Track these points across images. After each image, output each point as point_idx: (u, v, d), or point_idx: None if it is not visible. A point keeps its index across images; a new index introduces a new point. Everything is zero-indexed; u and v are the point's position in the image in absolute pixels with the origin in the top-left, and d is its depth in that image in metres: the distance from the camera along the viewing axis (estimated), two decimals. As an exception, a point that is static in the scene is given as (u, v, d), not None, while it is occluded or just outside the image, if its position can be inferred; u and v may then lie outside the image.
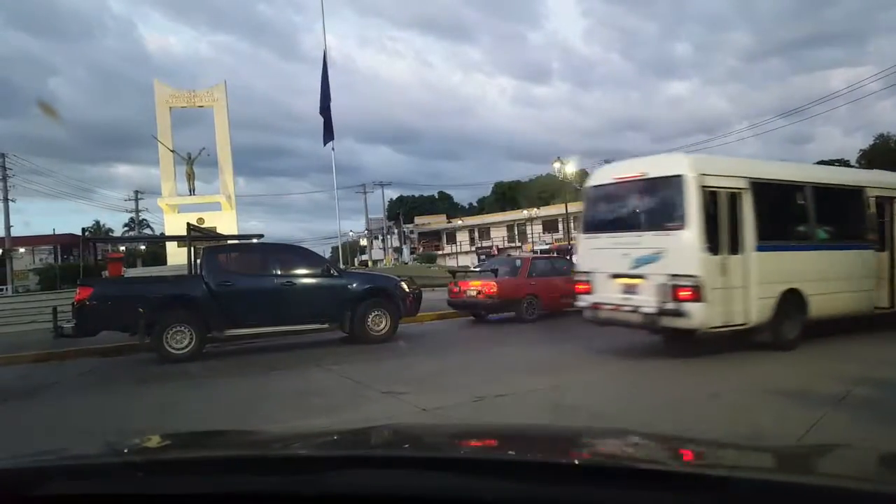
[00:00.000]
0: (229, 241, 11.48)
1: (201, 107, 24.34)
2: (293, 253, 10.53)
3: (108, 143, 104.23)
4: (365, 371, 7.88)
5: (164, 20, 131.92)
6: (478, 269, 17.62)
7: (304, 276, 10.05)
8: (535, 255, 19.22)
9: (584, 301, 8.67)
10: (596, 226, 8.78)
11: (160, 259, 24.93)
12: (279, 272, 9.95)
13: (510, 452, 1.39)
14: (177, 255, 21.88)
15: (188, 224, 10.73)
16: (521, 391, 6.23)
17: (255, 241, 11.04)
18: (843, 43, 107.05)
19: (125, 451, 1.59)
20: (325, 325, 10.17)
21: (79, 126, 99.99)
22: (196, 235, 11.01)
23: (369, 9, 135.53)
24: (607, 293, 8.22)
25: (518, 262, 14.24)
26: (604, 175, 9.02)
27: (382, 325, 10.29)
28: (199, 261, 10.11)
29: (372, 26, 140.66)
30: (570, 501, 0.93)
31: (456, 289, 13.71)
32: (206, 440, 1.85)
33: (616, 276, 8.10)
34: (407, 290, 10.71)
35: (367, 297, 10.30)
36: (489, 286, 12.81)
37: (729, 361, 7.62)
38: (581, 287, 8.78)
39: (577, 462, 1.21)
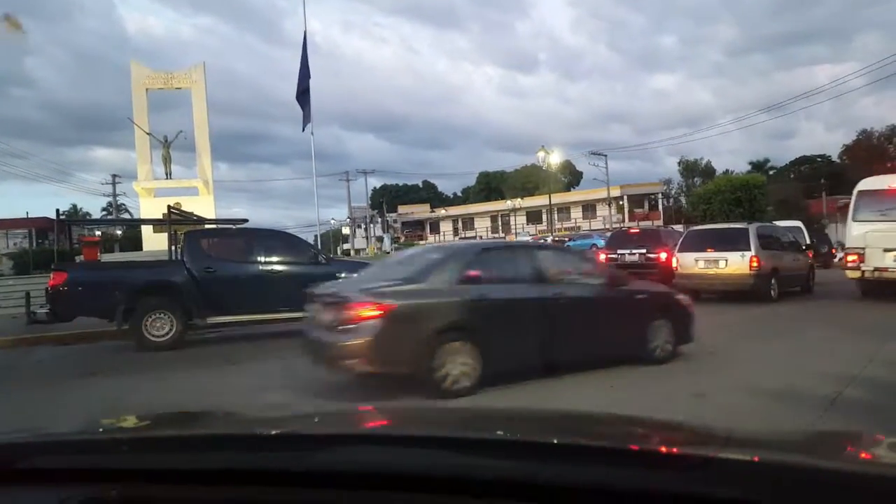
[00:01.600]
0: (212, 226, 11.01)
1: (179, 88, 23.71)
2: (279, 239, 10.12)
3: (86, 126, 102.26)
4: None
5: (145, 1, 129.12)
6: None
7: (290, 262, 9.65)
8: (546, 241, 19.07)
9: (857, 267, 12.00)
10: (868, 215, 12.11)
11: (138, 244, 24.26)
12: (264, 258, 9.56)
13: (500, 433, 1.38)
14: (152, 241, 21.29)
15: (169, 207, 10.30)
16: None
17: (239, 226, 10.58)
18: (827, 39, 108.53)
19: (106, 429, 1.58)
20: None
21: (56, 108, 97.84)
22: (177, 219, 10.55)
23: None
24: (879, 262, 11.72)
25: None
26: (878, 182, 12.70)
27: (373, 314, 9.97)
28: (180, 246, 9.69)
29: (357, 11, 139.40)
30: (560, 480, 0.91)
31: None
32: (190, 420, 1.84)
33: (887, 249, 11.63)
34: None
35: None
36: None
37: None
38: (852, 259, 12.18)
39: (567, 442, 1.18)
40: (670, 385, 5.89)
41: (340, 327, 5.36)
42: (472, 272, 5.96)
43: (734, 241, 13.01)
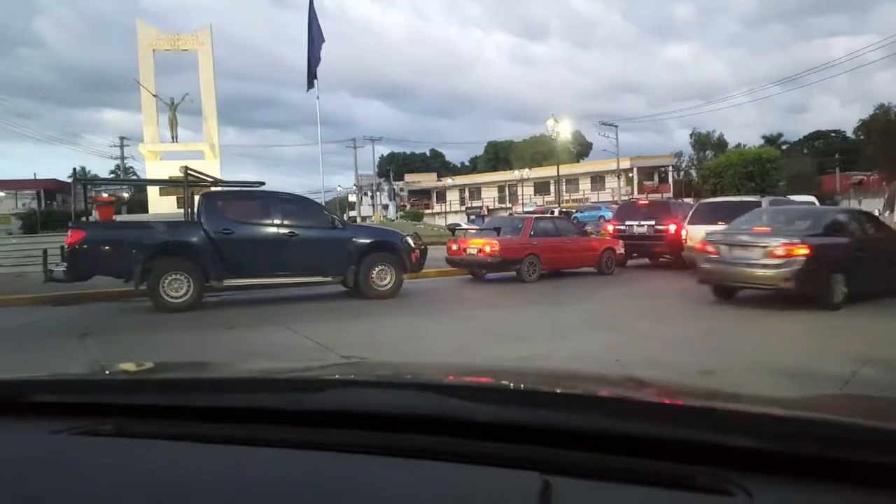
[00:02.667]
0: (229, 188, 11.02)
1: (186, 50, 23.45)
2: (296, 203, 10.11)
3: (95, 87, 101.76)
4: (336, 330, 7.44)
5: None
6: (465, 227, 17.42)
7: (307, 226, 9.67)
8: (541, 214, 19.02)
9: None
10: None
11: (144, 207, 24.31)
12: (281, 222, 9.57)
13: (503, 382, 1.37)
14: (158, 203, 21.35)
15: (186, 168, 10.27)
16: (497, 362, 5.67)
17: (256, 188, 10.58)
18: (847, 10, 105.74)
19: (105, 370, 1.59)
20: (328, 278, 9.93)
21: (64, 68, 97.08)
22: (193, 181, 10.55)
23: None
24: None
25: (520, 222, 14.02)
26: None
27: (387, 281, 10.03)
28: (196, 207, 9.71)
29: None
30: (562, 425, 0.90)
31: (455, 246, 13.52)
32: (188, 366, 1.84)
33: None
34: (412, 245, 10.44)
35: (371, 250, 10.01)
36: (491, 244, 12.59)
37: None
38: None
39: (575, 392, 1.18)
40: (676, 363, 5.87)
41: (772, 260, 8.34)
42: (838, 227, 9.14)
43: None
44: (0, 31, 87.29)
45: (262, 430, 1.01)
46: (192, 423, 1.06)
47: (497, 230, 13.41)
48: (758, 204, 13.03)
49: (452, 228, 19.50)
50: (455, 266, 13.57)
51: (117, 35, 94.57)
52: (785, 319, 8.17)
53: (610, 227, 16.56)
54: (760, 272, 8.51)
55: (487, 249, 12.55)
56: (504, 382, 1.36)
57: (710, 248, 9.37)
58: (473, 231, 16.98)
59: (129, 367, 1.72)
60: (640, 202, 19.13)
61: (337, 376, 1.39)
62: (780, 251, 8.32)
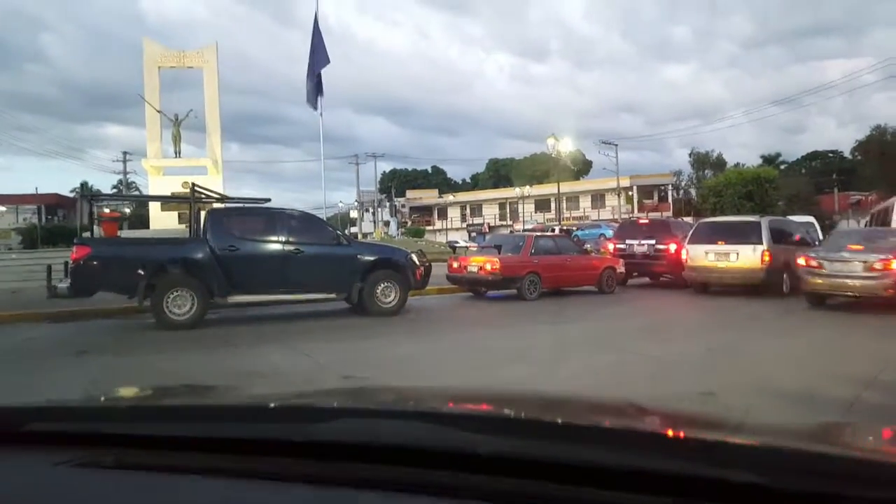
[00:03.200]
0: (235, 205, 11.10)
1: (191, 68, 23.64)
2: (302, 220, 10.15)
3: (99, 103, 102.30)
4: (338, 349, 7.47)
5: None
6: (465, 245, 17.49)
7: (312, 243, 9.73)
8: (542, 233, 19.08)
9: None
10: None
11: (146, 223, 24.36)
12: (287, 238, 9.62)
13: (505, 411, 1.38)
14: (160, 219, 21.42)
15: (193, 184, 10.36)
16: (496, 384, 5.60)
17: (261, 205, 10.67)
18: (842, 34, 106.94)
19: (106, 397, 1.58)
20: (333, 295, 9.98)
21: (69, 84, 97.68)
22: (200, 196, 10.63)
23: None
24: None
25: (521, 240, 14.10)
26: None
27: (391, 298, 10.07)
28: (202, 223, 9.78)
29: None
30: (562, 459, 0.90)
31: (456, 264, 13.56)
32: (189, 391, 1.83)
33: None
34: (417, 262, 10.51)
35: (376, 267, 10.05)
36: (492, 262, 12.66)
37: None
38: None
39: (572, 423, 1.17)
40: (677, 384, 5.84)
41: (872, 273, 9.95)
42: None
43: (746, 235, 12.97)
44: (6, 47, 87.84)
45: (261, 461, 1.02)
46: (193, 455, 1.07)
47: (498, 248, 13.50)
48: (757, 224, 13.15)
49: (453, 246, 19.57)
50: (456, 284, 13.60)
51: (122, 51, 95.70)
52: (789, 337, 8.22)
53: (610, 246, 16.63)
54: (861, 283, 10.16)
55: (488, 267, 12.60)
56: (505, 412, 1.37)
57: (813, 263, 10.82)
58: (473, 248, 17.05)
59: (129, 392, 1.71)
60: (641, 221, 19.21)
61: (335, 404, 1.40)
62: (878, 265, 9.94)
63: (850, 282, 10.32)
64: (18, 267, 16.61)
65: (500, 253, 13.09)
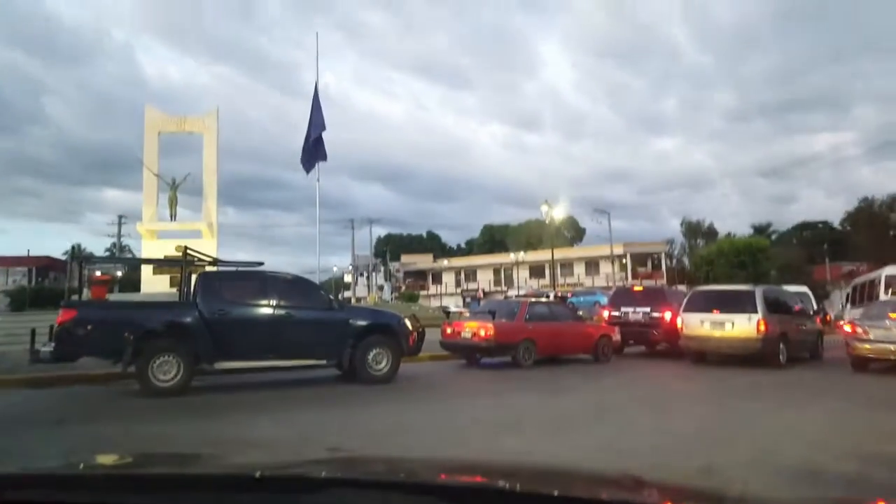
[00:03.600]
0: (227, 268, 11.00)
1: (191, 133, 24.15)
2: (294, 283, 10.07)
3: (98, 167, 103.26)
4: (325, 419, 7.22)
5: (163, 48, 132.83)
6: (458, 311, 17.39)
7: (303, 308, 9.58)
8: (537, 299, 18.99)
9: None
10: None
11: (137, 286, 24.23)
12: (278, 302, 9.47)
13: (500, 483, 1.34)
14: (151, 282, 21.30)
15: (185, 247, 10.30)
16: (490, 456, 5.49)
17: (254, 268, 10.57)
18: (826, 109, 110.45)
19: (87, 465, 1.54)
20: (323, 362, 9.76)
21: (69, 147, 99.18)
22: (192, 259, 10.54)
23: (369, 51, 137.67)
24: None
25: (515, 306, 13.98)
26: None
27: (383, 365, 9.83)
28: (192, 286, 9.65)
29: (370, 67, 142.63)
30: None
31: (449, 329, 13.37)
32: (171, 459, 1.79)
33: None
34: (410, 327, 10.34)
35: (368, 333, 9.87)
36: (486, 328, 12.49)
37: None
38: None
39: (568, 496, 1.14)
40: (676, 457, 5.69)
41: None
42: None
43: (741, 304, 12.91)
44: (9, 109, 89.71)
45: None
46: None
47: (492, 313, 13.34)
48: (752, 293, 13.12)
49: (446, 311, 19.42)
50: (449, 350, 13.37)
51: (123, 115, 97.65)
52: (790, 409, 8.02)
53: (605, 314, 16.53)
54: None
55: (482, 333, 12.43)
56: (500, 483, 1.33)
57: (858, 330, 11.84)
58: (467, 314, 16.92)
59: (109, 460, 1.66)
60: (635, 288, 19.19)
61: (324, 474, 1.36)
62: None
63: (892, 347, 11.36)
64: (1, 330, 16.30)
65: (494, 319, 12.94)
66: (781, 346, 12.81)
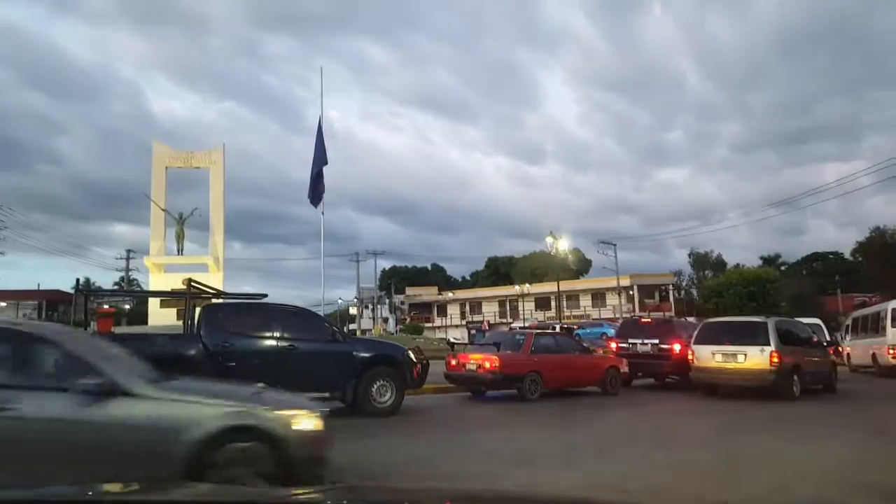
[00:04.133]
0: (231, 300, 10.98)
1: (198, 168, 24.48)
2: (298, 315, 10.00)
3: (107, 202, 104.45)
4: (336, 453, 7.06)
5: (170, 85, 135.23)
6: (462, 342, 17.24)
7: (307, 339, 9.49)
8: (542, 330, 18.84)
9: None
10: None
11: (145, 319, 24.28)
12: (282, 334, 9.40)
13: None
14: (158, 315, 21.32)
15: (189, 280, 10.30)
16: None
17: (258, 300, 10.54)
18: (834, 138, 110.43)
19: (93, 491, 1.55)
20: (326, 394, 9.63)
21: (80, 184, 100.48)
22: (196, 292, 10.53)
23: (374, 86, 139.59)
24: None
25: (521, 337, 13.82)
26: None
27: (387, 397, 9.67)
28: (196, 319, 9.61)
29: (375, 102, 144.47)
30: None
31: (454, 361, 13.21)
32: (180, 489, 1.78)
33: None
34: (414, 359, 10.22)
35: (372, 365, 9.75)
36: (491, 360, 12.32)
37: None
38: None
39: None
40: (688, 493, 5.55)
41: None
42: None
43: (753, 335, 12.74)
44: (22, 148, 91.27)
45: None
46: None
47: (497, 345, 13.18)
48: (764, 324, 12.94)
49: (451, 343, 19.28)
50: (454, 382, 13.18)
51: (132, 152, 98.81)
52: (805, 443, 7.82)
53: (613, 345, 16.34)
54: None
55: (487, 365, 12.27)
56: None
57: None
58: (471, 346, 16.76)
59: (114, 487, 1.67)
60: (643, 320, 18.99)
61: (329, 503, 1.34)
62: None
63: None
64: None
65: (499, 350, 12.78)
66: (795, 377, 12.61)
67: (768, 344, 12.40)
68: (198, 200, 25.48)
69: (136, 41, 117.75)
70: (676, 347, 14.57)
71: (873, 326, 19.09)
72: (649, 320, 18.76)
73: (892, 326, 17.66)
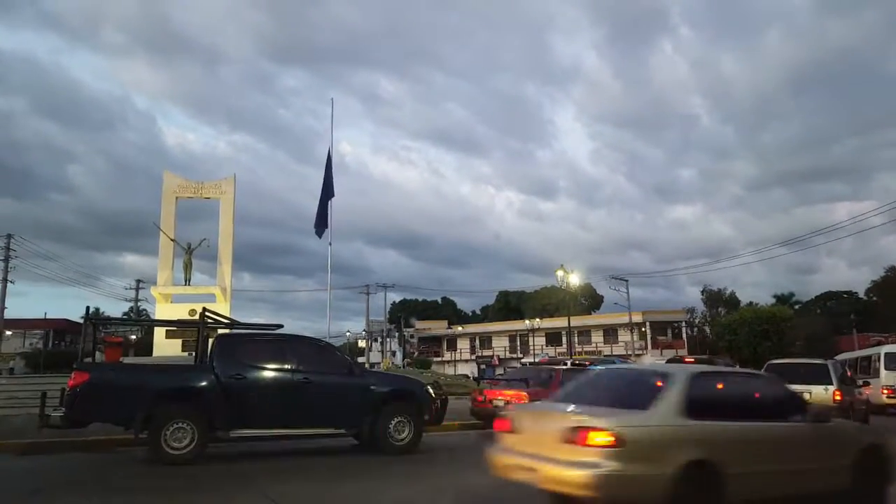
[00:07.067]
0: (245, 331, 10.63)
1: (208, 198, 24.42)
2: (313, 347, 9.68)
3: (118, 232, 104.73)
4: (340, 497, 6.70)
5: (184, 117, 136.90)
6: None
7: (323, 373, 9.14)
8: (566, 365, 18.30)
9: None
10: None
11: (150, 349, 23.97)
12: (296, 367, 9.04)
13: None
14: (164, 346, 21.00)
15: (204, 309, 10.00)
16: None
17: (273, 331, 10.19)
18: (847, 178, 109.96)
19: None
20: (342, 430, 9.23)
21: (91, 213, 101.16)
22: (209, 322, 10.20)
23: (386, 120, 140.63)
24: None
25: (550, 373, 13.42)
26: None
27: (405, 434, 9.26)
28: (210, 349, 9.27)
29: (387, 136, 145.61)
30: None
31: (481, 397, 12.86)
32: None
33: None
34: (433, 395, 9.82)
35: (390, 400, 9.37)
36: (520, 396, 11.91)
37: None
38: None
39: None
40: None
41: None
42: None
43: (817, 376, 13.83)
44: (35, 178, 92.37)
45: None
46: None
47: (525, 381, 12.80)
48: (825, 366, 14.13)
49: (477, 379, 18.87)
50: (480, 419, 12.69)
51: (143, 182, 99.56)
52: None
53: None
54: None
55: (515, 402, 11.84)
56: None
57: None
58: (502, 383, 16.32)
59: None
60: (687, 360, 18.49)
61: None
62: None
63: None
64: (5, 394, 16.00)
65: (528, 387, 12.37)
66: (850, 413, 13.26)
67: (832, 383, 13.62)
68: (207, 231, 25.30)
69: (151, 73, 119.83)
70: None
71: (867, 370, 20.74)
72: (692, 360, 18.19)
73: (886, 369, 19.59)
